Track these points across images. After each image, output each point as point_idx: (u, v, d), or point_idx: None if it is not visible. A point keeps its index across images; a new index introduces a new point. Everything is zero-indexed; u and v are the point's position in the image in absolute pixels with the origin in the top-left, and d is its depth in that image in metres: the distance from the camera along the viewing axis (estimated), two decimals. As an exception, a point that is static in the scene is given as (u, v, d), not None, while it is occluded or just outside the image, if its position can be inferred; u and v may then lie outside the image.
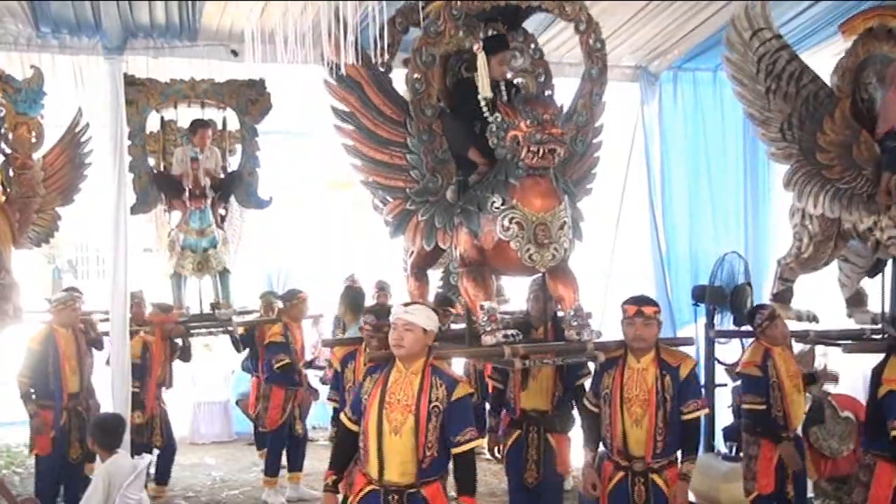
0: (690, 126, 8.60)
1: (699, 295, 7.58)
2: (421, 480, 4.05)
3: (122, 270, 8.24)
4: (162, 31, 8.08)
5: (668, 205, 8.55)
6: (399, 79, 4.89)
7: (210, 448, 9.59)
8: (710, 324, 7.36)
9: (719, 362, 7.38)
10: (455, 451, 4.08)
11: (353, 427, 4.27)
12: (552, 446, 5.44)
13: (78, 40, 7.97)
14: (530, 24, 5.58)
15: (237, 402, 9.58)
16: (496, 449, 5.76)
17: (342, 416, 4.42)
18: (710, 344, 7.35)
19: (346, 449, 4.36)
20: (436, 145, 4.67)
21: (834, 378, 5.98)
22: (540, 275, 4.96)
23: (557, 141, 4.38)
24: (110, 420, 5.88)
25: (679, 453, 4.77)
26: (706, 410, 4.77)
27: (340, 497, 4.42)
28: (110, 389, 8.15)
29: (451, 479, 4.35)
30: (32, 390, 6.39)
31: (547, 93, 5.17)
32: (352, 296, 8.47)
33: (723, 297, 7.32)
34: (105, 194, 8.17)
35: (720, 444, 7.42)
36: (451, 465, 4.24)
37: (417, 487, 4.05)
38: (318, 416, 9.28)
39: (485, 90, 4.71)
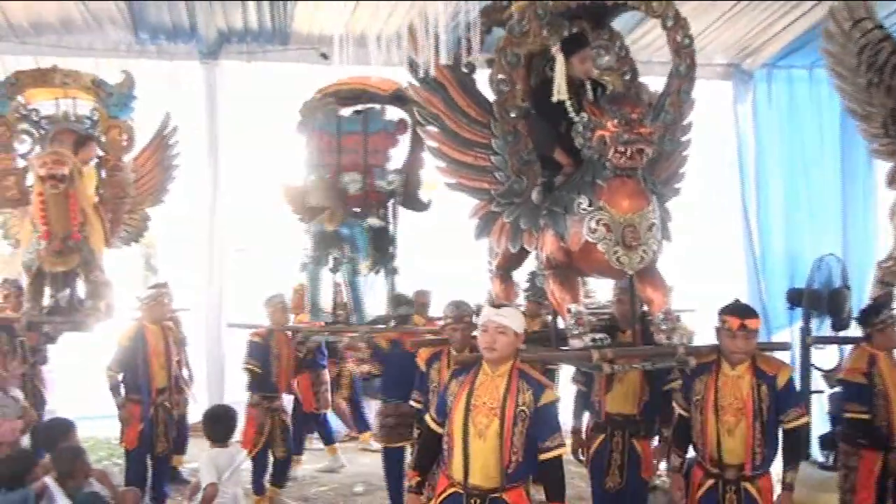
0: (786, 125, 8.42)
1: (795, 298, 7.38)
2: (505, 485, 4.00)
3: (216, 269, 8.52)
4: (255, 36, 8.29)
5: (762, 206, 8.38)
6: (483, 79, 4.86)
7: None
8: (806, 328, 7.15)
9: (816, 368, 7.16)
10: (543, 456, 4.01)
11: (438, 429, 4.25)
12: (637, 451, 5.33)
13: (174, 46, 8.24)
14: (618, 23, 5.49)
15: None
16: (580, 451, 5.68)
17: (427, 417, 4.42)
18: (805, 349, 7.13)
19: (430, 450, 4.34)
20: (521, 146, 4.59)
21: None
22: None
23: (646, 141, 4.25)
24: (218, 411, 6.08)
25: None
26: (808, 418, 4.58)
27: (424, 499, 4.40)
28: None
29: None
30: (122, 383, 6.55)
31: (633, 91, 5.06)
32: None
33: (819, 301, 7.11)
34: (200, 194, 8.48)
35: (816, 452, 7.18)
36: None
37: (500, 492, 4.01)
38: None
39: (560, 93, 4.63)
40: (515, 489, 4.03)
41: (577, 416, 5.72)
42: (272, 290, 7.99)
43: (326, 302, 7.74)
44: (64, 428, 5.81)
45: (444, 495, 4.15)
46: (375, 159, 7.36)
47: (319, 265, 7.20)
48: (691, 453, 4.83)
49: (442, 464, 4.23)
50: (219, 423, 5.86)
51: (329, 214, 7.07)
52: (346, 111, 7.53)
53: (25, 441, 6.72)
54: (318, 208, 7.22)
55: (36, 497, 5.06)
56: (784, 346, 5.59)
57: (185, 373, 7.12)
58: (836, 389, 6.87)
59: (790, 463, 4.53)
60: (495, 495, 4.01)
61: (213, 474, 5.54)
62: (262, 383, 7.00)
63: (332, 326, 7.37)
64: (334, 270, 7.31)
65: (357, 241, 7.16)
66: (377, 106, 7.46)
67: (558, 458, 4.04)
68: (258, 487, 7.17)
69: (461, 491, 4.06)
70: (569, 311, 4.49)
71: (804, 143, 8.38)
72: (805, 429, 4.64)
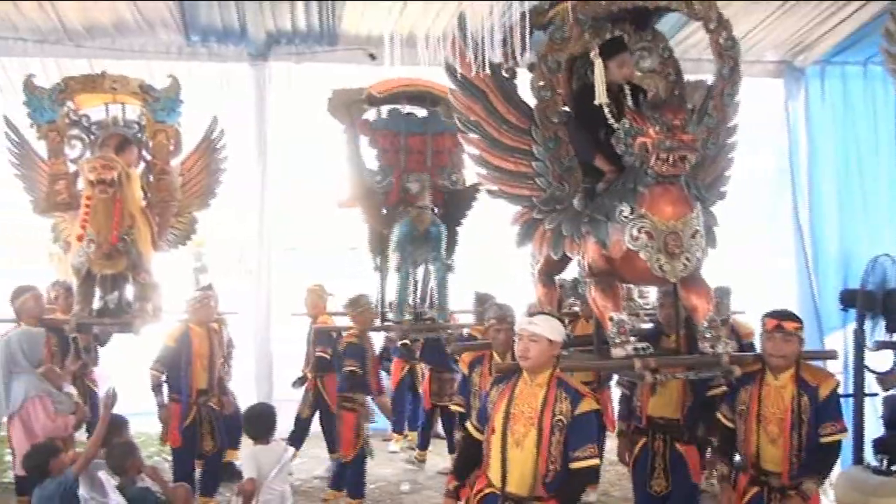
0: (839, 122, 8.26)
1: (848, 300, 7.21)
2: (542, 494, 3.99)
3: (265, 269, 8.60)
4: (304, 37, 8.34)
5: (815, 206, 8.23)
6: (524, 84, 4.82)
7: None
8: (859, 330, 6.99)
9: (870, 370, 6.99)
10: (571, 465, 3.98)
11: (479, 436, 4.28)
12: (681, 455, 5.27)
13: (224, 48, 8.33)
14: (666, 21, 5.41)
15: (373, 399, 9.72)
16: (626, 454, 5.64)
17: (468, 424, 4.44)
18: (859, 352, 6.97)
19: (470, 456, 4.37)
20: (562, 153, 4.55)
21: None
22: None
23: (688, 147, 4.21)
24: (258, 410, 6.19)
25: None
26: (845, 434, 4.48)
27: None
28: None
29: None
30: (165, 383, 6.69)
31: (676, 93, 4.98)
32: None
33: (874, 303, 6.93)
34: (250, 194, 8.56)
35: (870, 456, 7.02)
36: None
37: (538, 501, 4.00)
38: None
39: (600, 96, 4.57)
40: (551, 500, 4.01)
41: (623, 418, 5.68)
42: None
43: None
44: (117, 424, 5.94)
45: (480, 494, 4.18)
46: (439, 160, 7.49)
47: (408, 265, 7.28)
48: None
49: (479, 468, 4.24)
50: (259, 421, 5.96)
51: (418, 214, 7.16)
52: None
53: (80, 436, 6.93)
54: (393, 210, 7.37)
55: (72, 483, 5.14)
56: (831, 355, 5.47)
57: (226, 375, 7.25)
58: (891, 392, 6.75)
59: (814, 473, 4.46)
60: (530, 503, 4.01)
61: (253, 470, 5.63)
62: (361, 385, 7.01)
63: (422, 324, 7.49)
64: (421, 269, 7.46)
65: (441, 241, 7.31)
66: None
67: (584, 470, 4.00)
68: (359, 491, 7.05)
69: (498, 493, 4.07)
70: (611, 319, 4.45)
71: (858, 141, 8.20)
72: (839, 445, 4.51)
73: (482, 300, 7.67)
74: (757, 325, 6.73)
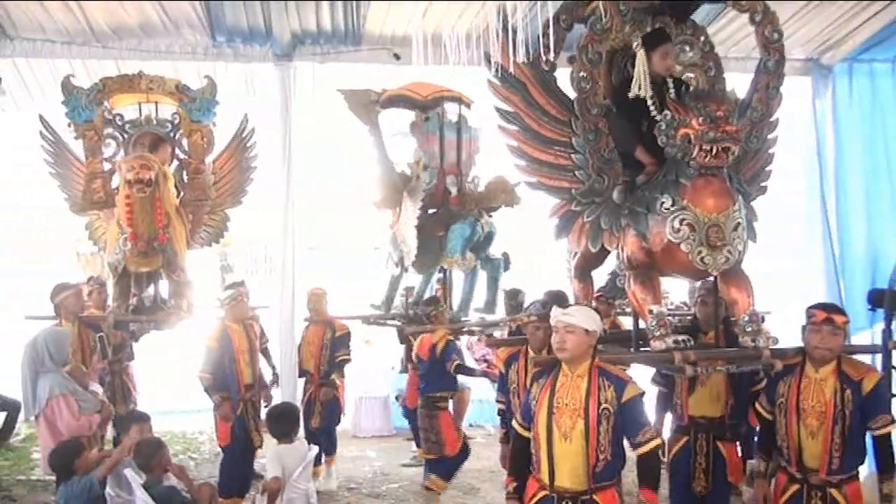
0: (867, 121, 8.16)
1: (876, 299, 7.16)
2: (594, 486, 3.97)
3: (290, 269, 8.60)
4: (328, 37, 8.34)
5: (842, 204, 8.15)
6: (563, 77, 4.81)
7: (371, 441, 9.82)
8: (887, 330, 6.93)
9: (896, 370, 6.95)
10: (637, 452, 3.98)
11: (526, 433, 4.24)
12: (722, 454, 5.24)
13: (250, 48, 8.33)
14: (695, 17, 5.39)
15: (396, 398, 9.74)
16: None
17: (514, 424, 4.40)
18: (887, 352, 6.92)
19: (522, 455, 4.30)
20: (602, 145, 4.55)
21: None
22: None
23: (732, 139, 4.18)
24: (282, 409, 6.23)
25: (863, 470, 4.49)
26: (895, 425, 4.45)
27: None
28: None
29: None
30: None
31: (718, 87, 4.96)
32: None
33: (901, 302, 6.88)
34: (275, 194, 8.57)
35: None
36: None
37: (590, 493, 3.98)
38: (476, 415, 9.36)
39: (641, 88, 4.58)
40: (606, 489, 4.01)
41: (658, 417, 5.65)
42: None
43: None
44: (138, 421, 5.95)
45: (535, 499, 4.14)
46: (467, 164, 7.77)
47: (475, 264, 7.50)
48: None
49: (532, 468, 4.21)
50: (282, 421, 5.99)
51: (481, 214, 7.40)
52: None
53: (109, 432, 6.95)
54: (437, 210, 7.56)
55: (100, 483, 5.16)
56: (873, 349, 5.43)
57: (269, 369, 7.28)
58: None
59: (886, 472, 4.39)
60: (585, 497, 3.98)
61: (278, 469, 5.64)
62: (468, 371, 7.23)
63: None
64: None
65: (493, 240, 7.53)
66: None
67: (653, 452, 4.01)
68: (450, 475, 7.21)
69: (551, 493, 4.04)
70: (650, 311, 4.42)
71: (887, 139, 8.11)
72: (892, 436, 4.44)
73: (513, 295, 7.73)
74: (777, 327, 6.77)
